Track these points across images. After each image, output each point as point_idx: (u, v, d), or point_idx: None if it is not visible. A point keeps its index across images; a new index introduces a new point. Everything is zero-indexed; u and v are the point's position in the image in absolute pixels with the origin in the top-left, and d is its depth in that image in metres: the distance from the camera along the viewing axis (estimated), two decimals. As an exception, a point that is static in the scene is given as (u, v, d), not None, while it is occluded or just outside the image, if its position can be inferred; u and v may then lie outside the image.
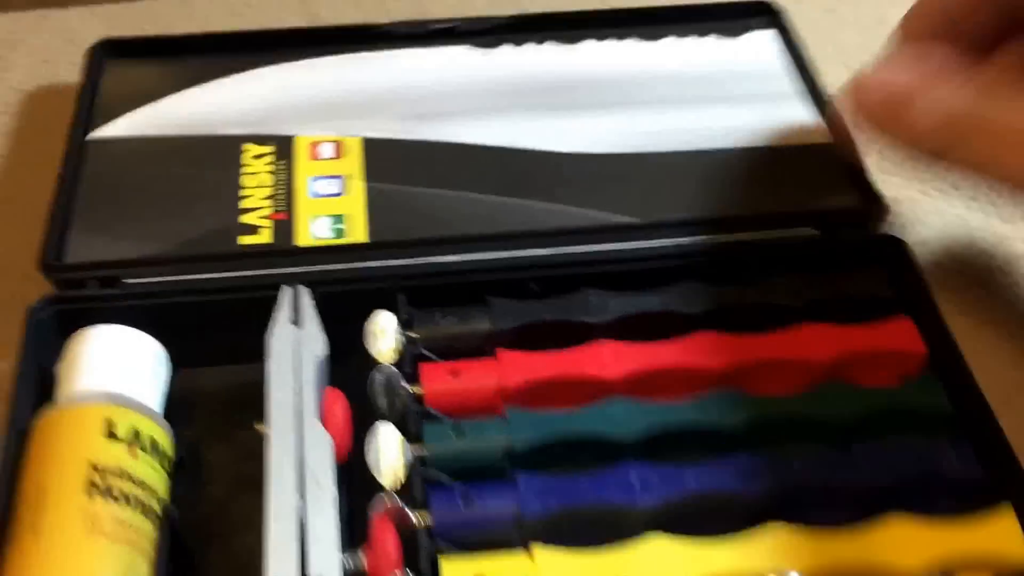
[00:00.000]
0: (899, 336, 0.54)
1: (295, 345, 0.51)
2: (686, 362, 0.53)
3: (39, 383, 0.52)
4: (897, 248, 0.57)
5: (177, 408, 0.54)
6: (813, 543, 0.46)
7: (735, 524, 0.48)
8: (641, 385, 0.52)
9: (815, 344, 0.53)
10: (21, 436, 0.49)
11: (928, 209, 0.67)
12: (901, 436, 0.51)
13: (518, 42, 0.70)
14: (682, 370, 0.53)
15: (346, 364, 0.53)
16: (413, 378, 0.52)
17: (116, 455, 0.47)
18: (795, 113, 0.66)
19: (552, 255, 0.58)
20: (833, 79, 0.72)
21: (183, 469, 0.52)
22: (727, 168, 0.63)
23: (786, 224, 0.60)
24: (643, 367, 0.52)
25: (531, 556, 0.46)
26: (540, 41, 0.70)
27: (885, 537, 0.47)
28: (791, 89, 0.67)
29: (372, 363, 0.52)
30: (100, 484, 0.46)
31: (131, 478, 0.47)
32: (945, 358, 0.54)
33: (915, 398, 0.52)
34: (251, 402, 0.51)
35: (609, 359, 0.52)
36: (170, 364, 0.54)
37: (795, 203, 0.61)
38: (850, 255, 0.58)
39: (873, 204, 0.61)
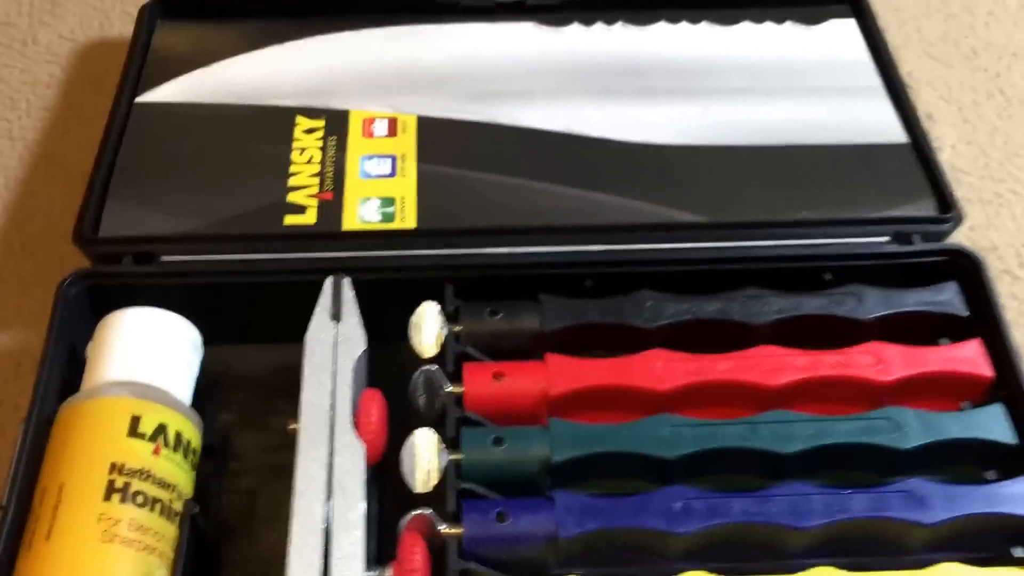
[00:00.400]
0: (967, 359, 0.52)
1: (333, 344, 0.50)
2: (742, 378, 0.50)
3: (69, 361, 0.51)
4: (973, 265, 0.54)
5: (209, 388, 0.53)
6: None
7: (781, 558, 0.46)
8: (692, 399, 0.50)
9: (880, 365, 0.51)
10: (46, 424, 0.48)
11: (1003, 212, 0.64)
12: (962, 468, 0.49)
13: (587, 21, 0.67)
14: (737, 386, 0.50)
15: (389, 353, 0.51)
16: (456, 376, 0.50)
17: (139, 454, 0.46)
18: (872, 108, 0.63)
19: (609, 252, 0.56)
20: (914, 68, 0.69)
21: (212, 456, 0.51)
22: (798, 167, 0.60)
23: (858, 231, 0.57)
24: (696, 381, 0.50)
25: (564, 584, 0.44)
26: (610, 21, 0.67)
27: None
28: (870, 83, 0.64)
29: (414, 355, 0.50)
30: (119, 486, 0.45)
31: (153, 478, 0.46)
32: (1012, 385, 0.51)
33: (980, 427, 0.49)
34: (285, 386, 0.49)
35: (661, 371, 0.50)
36: (203, 347, 0.52)
37: (868, 207, 0.58)
38: (923, 268, 0.55)
39: (948, 212, 0.58)
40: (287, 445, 0.47)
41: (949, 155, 0.66)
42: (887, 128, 0.62)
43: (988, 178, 0.66)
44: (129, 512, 0.44)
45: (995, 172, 0.66)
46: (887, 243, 0.57)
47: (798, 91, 0.64)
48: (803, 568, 0.45)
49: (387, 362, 0.51)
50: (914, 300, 0.53)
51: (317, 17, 0.66)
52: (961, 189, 0.61)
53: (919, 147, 0.60)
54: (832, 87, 0.64)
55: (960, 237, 0.58)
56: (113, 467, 0.45)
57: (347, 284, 0.52)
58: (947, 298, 0.54)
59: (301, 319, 0.51)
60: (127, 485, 0.45)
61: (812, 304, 0.53)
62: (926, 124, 0.62)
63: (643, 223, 0.57)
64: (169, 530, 0.45)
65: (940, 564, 0.45)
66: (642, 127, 0.61)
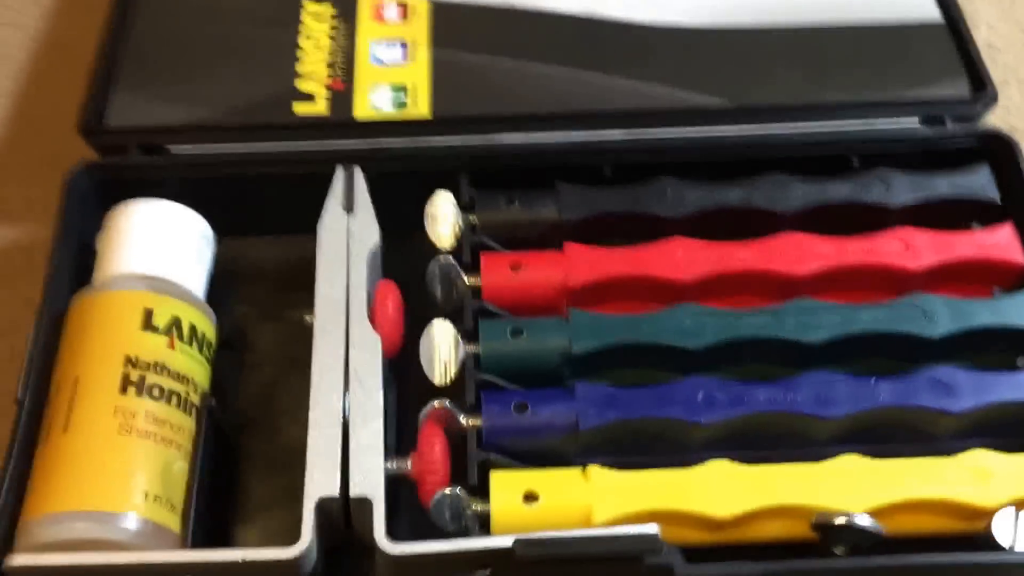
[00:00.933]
0: (1000, 245, 0.52)
1: (346, 235, 0.50)
2: (765, 266, 0.51)
3: (79, 254, 0.52)
4: (1006, 148, 0.55)
5: (224, 281, 0.54)
6: (886, 476, 0.45)
7: (805, 448, 0.47)
8: (715, 289, 0.51)
9: (909, 251, 0.51)
10: (58, 318, 0.49)
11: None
12: (993, 357, 0.49)
13: None
14: (761, 274, 0.51)
15: (403, 246, 0.52)
16: (472, 267, 0.51)
17: (153, 347, 0.47)
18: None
19: (629, 139, 0.56)
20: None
21: (229, 349, 0.52)
22: (824, 48, 0.60)
23: (886, 113, 0.57)
24: (719, 270, 0.51)
25: (585, 474, 0.45)
26: None
27: (963, 473, 0.45)
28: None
29: (430, 247, 0.51)
30: (135, 379, 0.46)
31: (168, 371, 0.47)
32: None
33: (1012, 314, 0.50)
34: (301, 278, 0.50)
35: (682, 259, 0.51)
36: (215, 240, 0.53)
37: (897, 88, 0.58)
38: (955, 152, 0.56)
39: (982, 93, 0.58)
40: (303, 337, 0.48)
41: (984, 33, 0.65)
42: (918, 4, 0.61)
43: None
44: (145, 405, 0.45)
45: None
46: (917, 126, 0.57)
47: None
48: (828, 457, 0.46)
49: (403, 253, 0.52)
50: (945, 185, 0.54)
51: None
52: (996, 69, 0.60)
53: (952, 23, 0.60)
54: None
55: (995, 120, 0.58)
56: (128, 360, 0.46)
57: (358, 173, 0.52)
58: (979, 182, 0.54)
59: (314, 210, 0.52)
60: (142, 378, 0.46)
61: (838, 190, 0.54)
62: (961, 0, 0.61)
63: (663, 108, 0.57)
64: (187, 423, 0.47)
65: (969, 450, 0.46)
66: (662, 8, 0.61)
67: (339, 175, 0.52)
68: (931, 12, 0.61)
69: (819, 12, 0.61)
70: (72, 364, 0.47)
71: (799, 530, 0.45)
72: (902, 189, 0.54)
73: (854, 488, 0.45)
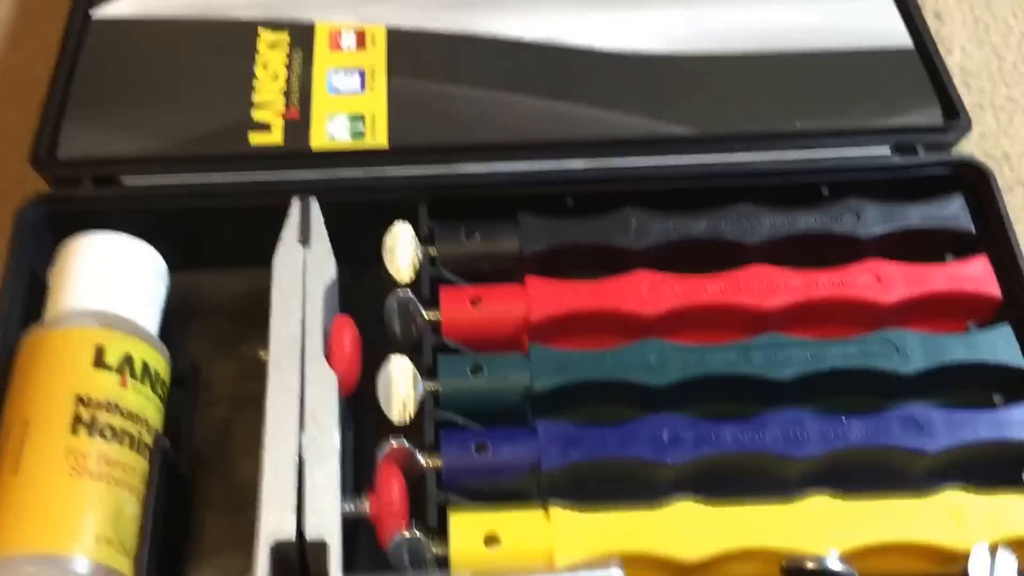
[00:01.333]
0: (974, 277, 0.52)
1: (302, 269, 0.50)
2: (733, 300, 0.51)
3: (30, 289, 0.51)
4: (980, 177, 0.55)
5: (178, 316, 0.53)
6: (858, 517, 0.45)
7: (774, 488, 0.46)
8: (681, 323, 0.51)
9: (880, 284, 0.51)
10: (8, 355, 0.49)
11: (1016, 119, 0.64)
12: (968, 393, 0.49)
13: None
14: (728, 308, 0.51)
15: (362, 279, 0.52)
16: (432, 301, 0.51)
17: (105, 386, 0.46)
18: (873, 9, 0.62)
19: (592, 169, 0.56)
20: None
21: (183, 386, 0.51)
22: (793, 75, 0.59)
23: (857, 141, 0.57)
24: (685, 304, 0.51)
25: (547, 515, 0.44)
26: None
27: (938, 514, 0.45)
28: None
29: (389, 280, 0.51)
30: (87, 419, 0.45)
31: (120, 411, 0.46)
32: (1021, 305, 0.51)
33: (987, 349, 0.50)
34: (257, 312, 0.50)
35: (647, 293, 0.51)
36: (169, 275, 0.53)
37: (868, 116, 0.58)
38: (927, 181, 0.55)
39: (954, 120, 0.57)
40: (259, 374, 0.48)
41: (959, 57, 0.65)
42: (889, 30, 0.61)
43: (1001, 82, 0.65)
44: (97, 445, 0.45)
45: (1008, 75, 0.65)
46: (888, 154, 0.57)
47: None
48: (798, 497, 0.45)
49: (361, 286, 0.52)
50: (917, 215, 0.54)
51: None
52: (971, 95, 0.60)
53: (923, 49, 0.60)
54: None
55: (970, 146, 0.58)
56: (79, 399, 0.46)
57: (314, 205, 0.52)
58: (953, 212, 0.54)
59: (270, 242, 0.51)
60: (94, 418, 0.45)
61: (808, 221, 0.53)
62: (933, 24, 0.61)
63: (627, 137, 0.57)
64: (139, 463, 0.46)
65: (943, 490, 0.45)
66: (626, 35, 0.61)
67: (295, 207, 0.52)
68: (903, 38, 0.61)
69: (788, 39, 0.61)
70: (22, 404, 0.46)
71: (768, 574, 0.44)
72: (873, 219, 0.53)
73: (825, 530, 0.44)
